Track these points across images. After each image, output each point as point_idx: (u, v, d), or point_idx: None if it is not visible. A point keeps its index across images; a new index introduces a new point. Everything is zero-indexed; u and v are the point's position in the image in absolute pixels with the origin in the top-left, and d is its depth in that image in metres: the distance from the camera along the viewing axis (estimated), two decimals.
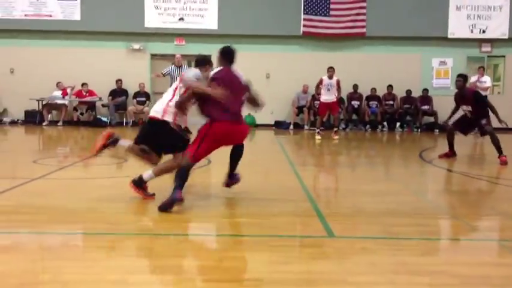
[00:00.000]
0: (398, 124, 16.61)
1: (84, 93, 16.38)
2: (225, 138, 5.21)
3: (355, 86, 16.67)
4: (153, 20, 16.72)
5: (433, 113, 16.39)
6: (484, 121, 9.13)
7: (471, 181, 7.59)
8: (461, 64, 16.69)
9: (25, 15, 16.55)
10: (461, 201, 6.16)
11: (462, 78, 9.29)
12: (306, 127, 16.29)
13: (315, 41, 16.96)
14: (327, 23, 16.76)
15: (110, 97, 16.60)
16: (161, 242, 4.22)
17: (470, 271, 3.47)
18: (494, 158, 8.89)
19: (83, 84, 16.33)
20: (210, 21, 16.76)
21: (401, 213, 5.14)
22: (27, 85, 16.31)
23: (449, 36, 16.74)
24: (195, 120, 6.10)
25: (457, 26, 16.73)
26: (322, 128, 13.68)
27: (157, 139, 5.51)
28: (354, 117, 16.95)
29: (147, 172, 5.50)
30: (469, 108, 9.12)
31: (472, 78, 15.18)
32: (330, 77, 12.92)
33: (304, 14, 16.70)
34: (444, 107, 12.99)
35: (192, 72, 5.47)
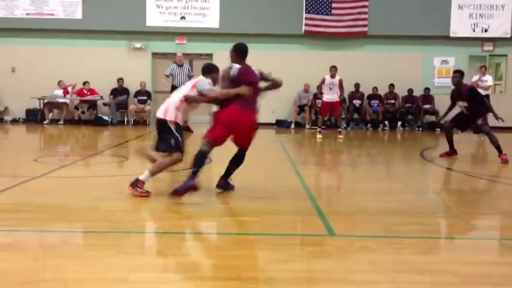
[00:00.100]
0: (399, 123, 16.60)
1: (86, 92, 16.38)
2: (241, 123, 5.47)
3: (357, 85, 16.65)
4: (154, 18, 16.71)
5: (435, 112, 16.35)
6: (480, 121, 9.12)
7: (472, 180, 7.58)
8: (463, 63, 16.64)
9: (27, 14, 16.56)
10: (462, 200, 6.16)
11: (459, 74, 9.32)
12: (307, 126, 16.28)
13: (317, 40, 16.95)
14: (329, 22, 16.74)
15: (111, 96, 16.60)
16: (162, 240, 4.23)
17: (471, 270, 3.47)
18: (495, 157, 8.88)
19: (84, 83, 16.33)
20: (211, 20, 16.75)
21: (402, 212, 5.13)
22: (28, 84, 16.32)
23: (451, 35, 16.71)
24: (196, 119, 6.19)
25: (459, 25, 16.70)
26: (323, 127, 13.67)
27: (160, 136, 5.72)
28: (356, 116, 16.94)
29: (144, 173, 5.55)
30: (465, 104, 9.12)
31: (474, 78, 15.19)
32: (332, 76, 12.92)
33: (306, 13, 16.68)
34: (446, 106, 12.91)
35: (205, 82, 5.68)
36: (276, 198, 5.71)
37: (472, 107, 9.05)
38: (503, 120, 9.31)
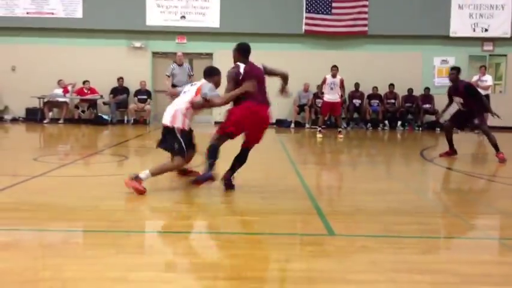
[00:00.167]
0: (399, 123, 16.61)
1: (86, 91, 16.39)
2: (254, 119, 5.64)
3: (357, 85, 16.65)
4: (154, 18, 16.71)
5: (435, 112, 16.35)
6: (477, 120, 9.14)
7: (472, 180, 7.59)
8: (463, 63, 16.62)
9: (27, 13, 16.56)
10: (462, 199, 6.16)
11: (455, 70, 9.35)
12: (307, 126, 16.28)
13: (317, 40, 16.95)
14: (329, 22, 16.74)
15: (111, 95, 16.60)
16: (162, 239, 4.23)
17: (470, 269, 3.47)
18: (494, 157, 8.89)
19: (84, 82, 16.34)
20: (211, 20, 16.75)
21: (402, 211, 5.13)
22: (28, 83, 16.32)
23: (451, 35, 16.71)
24: (199, 119, 6.23)
25: (459, 25, 16.70)
26: (323, 126, 13.67)
27: (164, 137, 5.96)
28: (355, 115, 16.94)
29: (144, 172, 5.60)
30: (461, 100, 9.14)
31: (474, 78, 15.19)
32: (334, 76, 12.91)
33: (306, 12, 16.69)
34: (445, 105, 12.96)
35: (207, 87, 5.77)
36: (276, 197, 5.70)
37: (468, 104, 9.07)
38: (499, 117, 9.34)
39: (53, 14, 16.55)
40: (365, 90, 16.83)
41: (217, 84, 6.00)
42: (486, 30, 16.75)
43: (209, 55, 16.57)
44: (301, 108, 16.48)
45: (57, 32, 16.58)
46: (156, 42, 16.96)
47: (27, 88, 16.07)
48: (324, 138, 12.86)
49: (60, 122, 16.03)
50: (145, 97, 16.57)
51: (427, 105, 16.57)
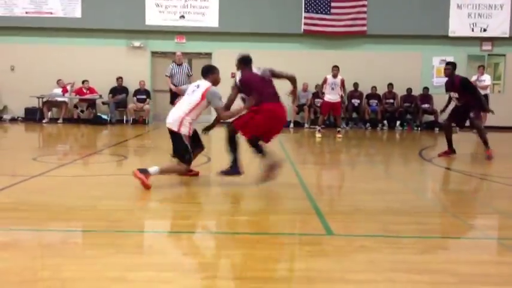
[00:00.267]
0: (398, 122, 16.62)
1: (85, 91, 16.38)
2: (274, 119, 5.98)
3: (356, 85, 16.66)
4: (153, 17, 16.71)
5: (433, 112, 16.38)
6: (472, 114, 9.17)
7: (470, 179, 7.60)
8: (462, 63, 16.63)
9: (26, 13, 16.56)
10: (461, 199, 6.17)
11: (451, 65, 9.41)
12: (306, 125, 16.28)
13: (316, 39, 16.96)
14: (328, 21, 16.75)
15: (110, 95, 16.60)
16: (161, 239, 4.23)
17: (469, 269, 3.47)
18: (493, 156, 8.90)
19: (83, 82, 16.33)
20: (210, 19, 16.75)
21: (400, 211, 5.14)
22: (27, 82, 16.32)
23: (450, 34, 16.72)
24: (200, 119, 6.35)
25: (458, 25, 16.71)
26: (323, 126, 13.68)
27: (172, 143, 6.17)
28: (354, 115, 16.95)
29: (153, 167, 5.77)
30: (456, 95, 9.18)
31: (473, 78, 15.19)
32: (334, 76, 12.91)
33: (305, 12, 16.69)
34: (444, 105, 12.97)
35: (216, 97, 5.98)
36: (274, 197, 5.71)
37: (464, 98, 9.11)
38: (493, 113, 9.39)
39: (51, 13, 16.55)
40: (364, 90, 16.84)
41: (215, 83, 6.16)
42: (485, 30, 16.76)
43: (208, 55, 16.58)
44: (300, 108, 16.48)
45: (56, 32, 16.58)
46: (155, 42, 16.96)
47: (26, 88, 16.07)
48: (323, 138, 12.87)
49: (59, 121, 16.03)
50: (144, 97, 16.57)
51: (426, 105, 16.59)
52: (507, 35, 16.67)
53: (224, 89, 6.32)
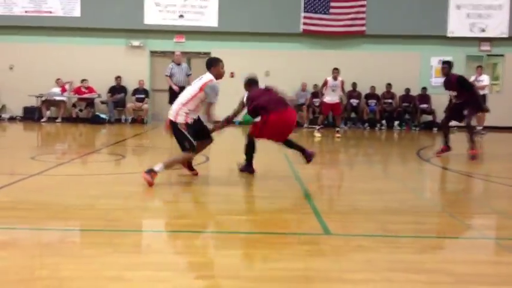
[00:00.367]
0: (396, 122, 16.64)
1: (83, 90, 16.37)
2: (280, 122, 6.50)
3: (354, 84, 16.68)
4: (153, 17, 16.71)
5: (432, 112, 16.41)
6: (466, 111, 9.20)
7: (468, 179, 7.61)
8: (461, 63, 16.65)
9: (25, 12, 16.54)
10: (458, 199, 6.18)
11: (447, 64, 9.46)
12: (305, 125, 16.29)
13: (315, 39, 16.96)
14: (327, 21, 16.76)
15: (109, 94, 16.60)
16: (158, 238, 4.24)
17: (466, 269, 3.48)
18: (490, 156, 8.93)
19: (82, 81, 16.33)
20: (210, 19, 16.75)
21: (398, 211, 5.15)
22: (26, 81, 16.31)
23: (449, 35, 16.74)
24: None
25: (457, 25, 16.73)
26: (321, 126, 13.68)
27: (175, 137, 6.25)
28: (353, 115, 16.97)
29: (158, 165, 5.85)
30: (454, 93, 9.21)
31: (471, 78, 15.20)
32: (335, 78, 12.90)
33: (304, 12, 16.69)
34: (443, 105, 12.98)
35: (213, 92, 6.09)
36: (272, 197, 5.72)
37: (462, 96, 9.14)
38: (488, 110, 9.42)
39: (51, 12, 16.54)
40: (362, 90, 16.86)
41: (218, 76, 6.28)
42: (483, 30, 16.78)
43: (207, 54, 16.55)
44: (299, 107, 16.48)
45: (55, 31, 16.56)
46: (154, 41, 16.96)
47: (25, 87, 16.05)
48: (322, 137, 12.88)
49: (57, 120, 16.03)
50: (143, 96, 16.57)
51: (424, 105, 16.61)
52: (506, 36, 16.69)
53: (224, 87, 6.36)
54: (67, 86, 16.36)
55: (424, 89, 16.71)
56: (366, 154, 11.03)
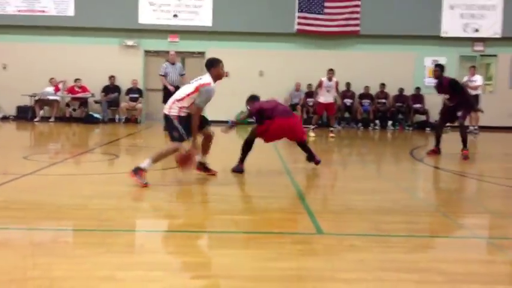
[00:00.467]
0: (390, 122, 16.69)
1: (77, 89, 16.32)
2: (283, 127, 7.13)
3: (348, 84, 16.72)
4: (147, 16, 16.68)
5: (425, 112, 16.48)
6: (460, 113, 9.25)
7: (461, 179, 7.65)
8: (454, 63, 16.76)
9: (18, 11, 16.48)
10: (451, 198, 6.21)
11: (439, 68, 9.50)
12: None
13: (309, 39, 16.98)
14: (321, 21, 16.78)
15: (103, 93, 16.56)
16: (151, 238, 4.23)
17: (458, 268, 3.50)
18: (483, 156, 8.96)
19: (76, 80, 16.28)
20: (204, 18, 16.74)
21: (390, 210, 5.17)
22: (19, 81, 16.25)
23: (442, 35, 16.81)
24: None
25: (450, 25, 16.80)
26: (316, 126, 13.70)
27: (167, 129, 6.32)
28: (347, 115, 17.00)
29: (144, 161, 5.86)
30: (447, 96, 9.26)
31: (464, 78, 15.28)
32: (330, 79, 12.94)
33: (298, 11, 16.71)
34: (436, 105, 13.05)
35: (203, 95, 6.04)
36: (265, 196, 5.72)
37: (455, 99, 9.18)
38: (482, 112, 9.47)
39: (44, 12, 16.48)
40: (356, 89, 16.90)
41: (218, 77, 6.24)
42: (477, 30, 16.85)
43: (201, 54, 16.56)
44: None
45: (49, 30, 16.51)
46: (148, 41, 16.93)
47: (18, 86, 16.00)
48: (316, 137, 12.89)
49: (51, 120, 15.97)
50: (137, 96, 16.54)
51: (418, 105, 16.67)
52: (499, 36, 16.77)
53: (218, 87, 6.33)
54: (60, 86, 16.31)
55: (418, 89, 16.77)
56: (360, 154, 11.05)
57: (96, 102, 16.65)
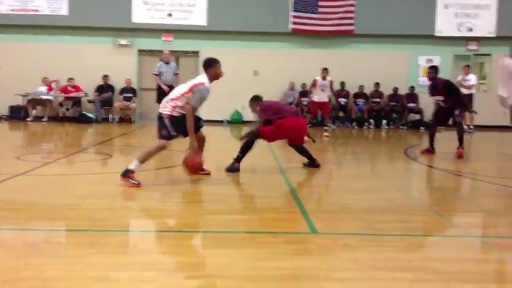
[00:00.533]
0: (384, 121, 16.72)
1: (70, 89, 16.26)
2: (294, 126, 7.20)
3: (343, 84, 16.74)
4: (141, 15, 16.64)
5: (419, 111, 16.52)
6: (457, 112, 9.28)
7: (455, 178, 7.66)
8: (448, 62, 16.81)
9: (11, 10, 16.41)
10: (445, 197, 6.22)
11: (433, 69, 9.52)
12: None
13: (304, 38, 17.00)
14: (316, 21, 16.79)
15: (96, 93, 16.50)
16: (144, 238, 4.21)
17: (451, 267, 3.50)
18: (477, 155, 8.98)
19: (69, 79, 16.21)
20: (198, 17, 16.72)
21: (385, 209, 5.17)
22: (12, 80, 16.17)
23: (437, 34, 16.86)
24: None
25: (445, 25, 16.85)
26: (310, 125, 13.70)
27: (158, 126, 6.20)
28: (341, 114, 17.02)
29: (133, 163, 5.83)
30: (441, 98, 9.28)
31: (459, 77, 15.34)
32: (324, 78, 12.98)
33: (293, 11, 16.71)
34: (430, 104, 13.09)
35: (197, 96, 5.99)
36: (259, 196, 5.71)
37: (449, 100, 9.20)
38: (476, 113, 9.51)
39: (37, 11, 16.41)
40: (351, 89, 16.93)
41: (215, 77, 6.21)
42: (471, 29, 16.91)
43: (195, 53, 16.53)
44: None
45: (42, 29, 16.44)
46: (142, 40, 16.90)
47: (11, 86, 15.93)
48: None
49: (44, 120, 15.90)
50: (130, 95, 16.49)
51: (412, 104, 16.71)
52: (493, 35, 16.83)
53: (214, 87, 6.32)
54: (53, 85, 16.24)
55: (412, 88, 16.82)
56: (354, 153, 11.06)
57: (89, 101, 16.59)
